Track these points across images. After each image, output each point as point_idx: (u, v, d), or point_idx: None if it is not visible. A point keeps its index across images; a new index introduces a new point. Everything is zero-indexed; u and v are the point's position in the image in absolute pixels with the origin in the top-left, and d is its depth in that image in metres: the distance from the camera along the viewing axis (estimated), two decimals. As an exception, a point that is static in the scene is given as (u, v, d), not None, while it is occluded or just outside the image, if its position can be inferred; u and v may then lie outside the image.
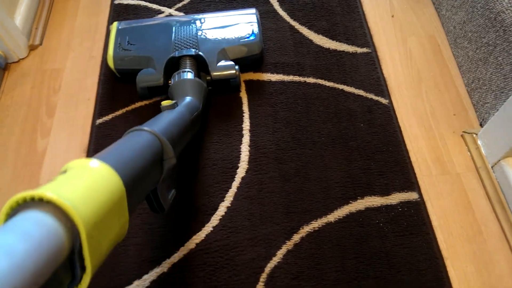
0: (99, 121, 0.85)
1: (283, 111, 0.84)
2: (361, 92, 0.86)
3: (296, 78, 0.89)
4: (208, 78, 0.82)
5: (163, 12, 1.00)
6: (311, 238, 0.70)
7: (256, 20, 0.88)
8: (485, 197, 0.74)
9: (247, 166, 0.78)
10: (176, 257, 0.69)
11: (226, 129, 0.83)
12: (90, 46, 0.96)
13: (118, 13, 1.01)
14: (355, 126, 0.82)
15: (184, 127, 0.62)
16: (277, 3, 1.01)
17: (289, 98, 0.86)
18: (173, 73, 0.79)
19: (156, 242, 0.71)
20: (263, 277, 0.66)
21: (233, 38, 0.85)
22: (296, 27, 0.96)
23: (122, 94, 0.88)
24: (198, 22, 0.88)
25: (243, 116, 0.84)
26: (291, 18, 0.98)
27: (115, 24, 0.89)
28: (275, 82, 0.88)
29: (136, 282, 0.67)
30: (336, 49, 0.93)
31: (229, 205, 0.74)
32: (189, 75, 0.77)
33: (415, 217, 0.71)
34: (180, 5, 1.02)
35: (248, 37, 0.85)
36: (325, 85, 0.87)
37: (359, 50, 0.92)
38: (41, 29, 0.98)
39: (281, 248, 0.69)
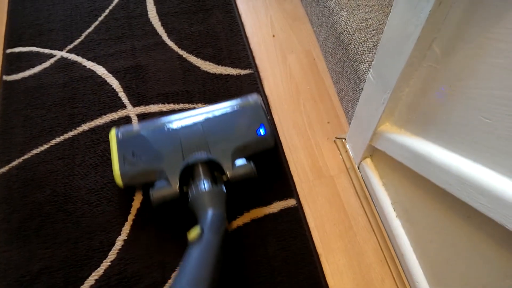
0: (-4, 173, 0.87)
1: (174, 140, 0.90)
2: (245, 112, 0.93)
3: (186, 106, 0.95)
4: (225, 179, 0.76)
5: (55, 55, 1.03)
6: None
7: (262, 111, 0.84)
8: (354, 194, 0.84)
9: (142, 197, 0.83)
10: (76, 295, 0.73)
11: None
12: (-17, 98, 0.97)
13: (10, 62, 1.03)
14: (240, 145, 0.89)
15: (216, 261, 0.61)
16: (165, 34, 1.07)
17: (180, 126, 0.92)
18: (189, 183, 0.75)
19: (59, 283, 0.74)
20: (158, 301, 0.72)
21: (244, 135, 0.80)
22: (184, 56, 1.03)
23: (19, 142, 0.90)
24: (202, 119, 0.82)
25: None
26: (179, 47, 1.04)
27: (113, 132, 0.82)
28: (166, 111, 0.94)
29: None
30: (222, 73, 1.00)
31: (126, 238, 0.79)
32: (206, 185, 0.71)
33: (293, 222, 0.80)
34: (71, 46, 1.05)
35: (258, 133, 0.80)
36: (213, 110, 0.94)
37: (243, 72, 1.00)
38: None
39: (175, 270, 0.75)
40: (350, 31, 0.76)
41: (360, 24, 0.75)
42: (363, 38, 0.74)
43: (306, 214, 0.81)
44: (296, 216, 0.80)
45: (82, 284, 0.75)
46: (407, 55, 0.51)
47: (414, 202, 0.65)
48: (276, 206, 0.82)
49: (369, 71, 0.65)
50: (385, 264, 0.76)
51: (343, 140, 0.88)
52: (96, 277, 0.75)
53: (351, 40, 0.75)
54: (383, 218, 0.77)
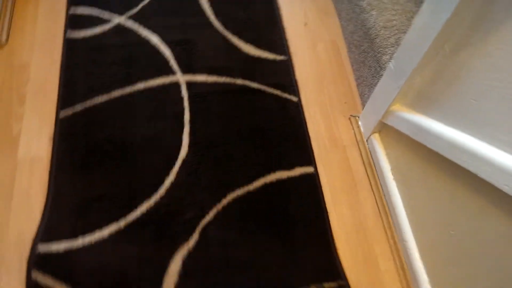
0: (61, 115, 1.02)
1: (216, 106, 1.06)
2: (278, 92, 1.10)
3: (227, 80, 1.11)
4: None
5: (114, 20, 1.18)
6: (236, 202, 0.93)
7: None
8: (361, 162, 1.01)
9: (187, 150, 1.00)
10: (131, 217, 0.90)
11: (169, 122, 1.03)
12: (51, 48, 1.12)
13: (73, 21, 1.17)
14: (271, 119, 1.06)
15: None
16: (213, 15, 1.22)
17: (221, 95, 1.08)
18: None
19: (115, 206, 0.91)
20: (198, 229, 0.90)
21: None
22: (228, 37, 1.18)
23: (81, 92, 1.06)
24: None
25: (184, 110, 1.05)
26: (225, 28, 1.19)
27: None
28: (210, 83, 1.10)
29: (97, 233, 0.87)
30: (260, 56, 1.15)
31: (173, 180, 0.96)
32: None
33: (310, 183, 0.97)
34: (128, 14, 1.19)
35: None
36: (250, 86, 1.10)
37: (278, 57, 1.16)
38: (6, 30, 1.11)
39: (212, 210, 0.92)
40: (378, 28, 0.92)
41: (386, 24, 0.92)
42: (387, 35, 0.90)
43: (320, 174, 0.99)
44: (312, 179, 0.98)
45: (136, 208, 0.91)
46: (424, 50, 0.68)
47: (410, 166, 0.83)
48: (297, 171, 0.99)
49: (390, 61, 0.82)
50: (379, 216, 0.95)
51: (357, 118, 1.06)
52: (147, 206, 0.92)
53: (377, 35, 0.92)
54: (382, 180, 0.95)
